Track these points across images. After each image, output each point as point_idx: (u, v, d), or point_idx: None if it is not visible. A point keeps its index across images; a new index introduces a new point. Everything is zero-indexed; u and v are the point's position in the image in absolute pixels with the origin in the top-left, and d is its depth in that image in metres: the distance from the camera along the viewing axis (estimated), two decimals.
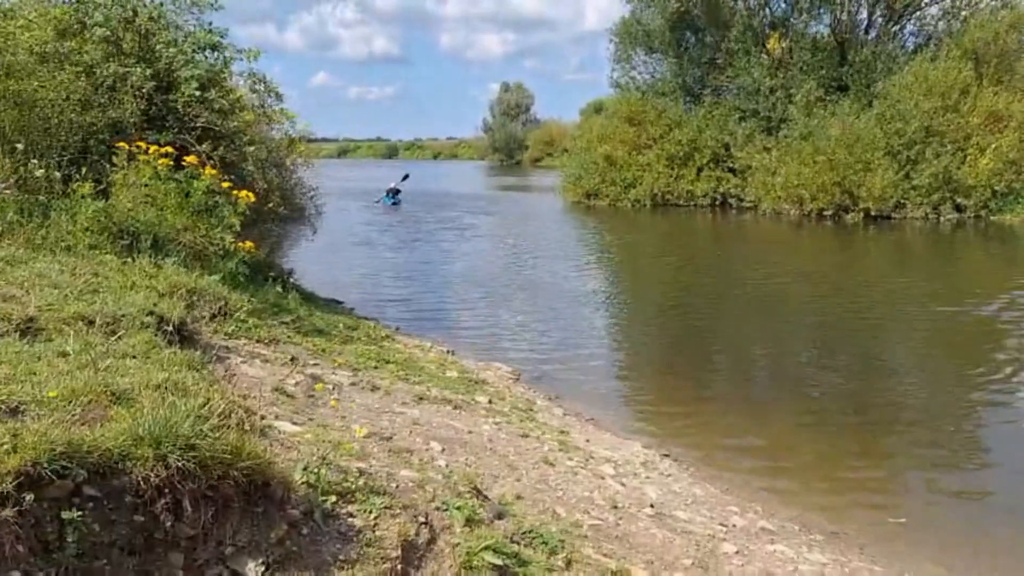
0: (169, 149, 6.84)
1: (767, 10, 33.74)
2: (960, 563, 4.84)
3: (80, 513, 2.17)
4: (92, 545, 2.22)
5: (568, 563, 3.47)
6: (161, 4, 8.34)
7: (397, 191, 33.58)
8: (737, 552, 4.27)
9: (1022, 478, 6.29)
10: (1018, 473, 6.39)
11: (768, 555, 4.37)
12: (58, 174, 6.19)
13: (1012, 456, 6.72)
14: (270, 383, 4.73)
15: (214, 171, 6.92)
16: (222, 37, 8.60)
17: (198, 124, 7.85)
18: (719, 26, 33.87)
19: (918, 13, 31.69)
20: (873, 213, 26.62)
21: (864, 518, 5.49)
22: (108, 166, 6.68)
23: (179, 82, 7.82)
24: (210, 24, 8.64)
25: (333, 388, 5.20)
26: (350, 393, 5.37)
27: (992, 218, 25.73)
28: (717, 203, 32.45)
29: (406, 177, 35.12)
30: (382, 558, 3.02)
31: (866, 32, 32.14)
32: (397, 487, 3.58)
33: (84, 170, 6.33)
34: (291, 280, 8.71)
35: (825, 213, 27.66)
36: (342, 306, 10.62)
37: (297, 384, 4.99)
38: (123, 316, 4.01)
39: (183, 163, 6.86)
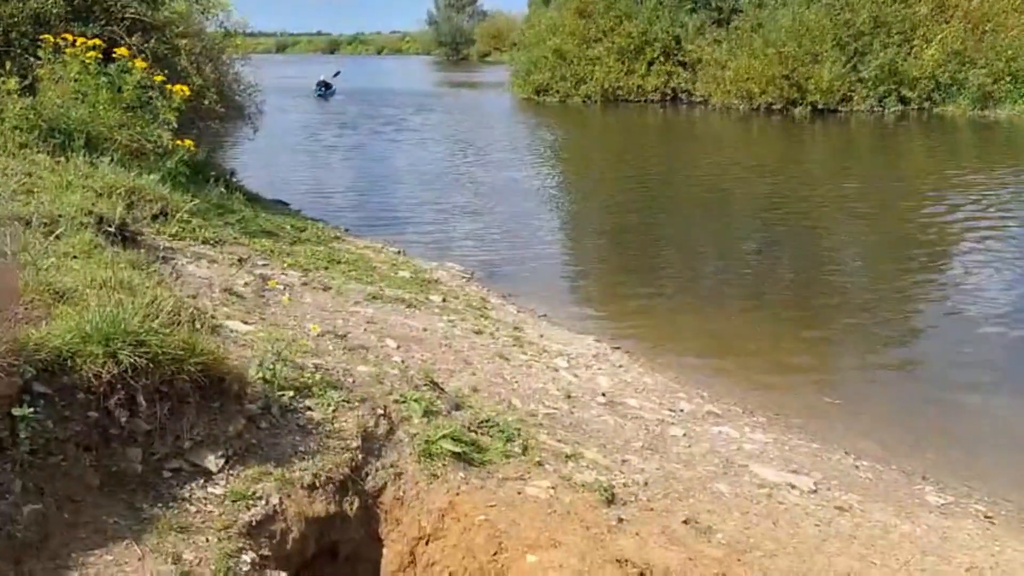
0: (97, 42, 6.45)
1: None
2: (892, 439, 5.12)
3: (31, 410, 2.14)
4: (46, 441, 2.21)
5: (524, 449, 3.58)
6: None
7: (328, 84, 34.37)
8: (684, 435, 4.45)
9: (952, 362, 6.62)
10: (949, 357, 6.72)
11: (714, 436, 4.56)
12: None
13: (944, 342, 7.05)
14: (219, 284, 4.68)
15: (145, 64, 6.58)
16: None
17: (127, 15, 7.40)
18: None
19: None
20: (820, 107, 26.75)
21: (804, 400, 5.74)
22: (33, 60, 6.30)
23: None
24: None
25: (284, 288, 5.16)
26: (302, 293, 5.34)
27: (935, 110, 26.08)
28: (668, 98, 32.14)
29: (337, 73, 36.17)
30: (342, 448, 3.07)
31: None
32: (354, 382, 3.61)
33: (8, 65, 5.96)
34: (234, 180, 8.47)
35: (774, 107, 27.69)
36: (288, 207, 10.42)
37: (247, 284, 4.94)
38: (60, 216, 3.88)
39: (113, 57, 6.50)
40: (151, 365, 2.38)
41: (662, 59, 31.87)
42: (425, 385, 3.95)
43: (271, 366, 3.14)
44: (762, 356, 6.70)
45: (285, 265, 6.01)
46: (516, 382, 4.75)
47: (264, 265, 5.73)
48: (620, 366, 5.99)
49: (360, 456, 3.10)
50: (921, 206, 12.45)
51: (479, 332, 5.74)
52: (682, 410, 5.03)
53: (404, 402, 3.56)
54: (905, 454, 4.89)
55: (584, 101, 32.29)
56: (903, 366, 6.60)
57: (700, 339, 7.05)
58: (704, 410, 5.13)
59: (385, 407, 3.43)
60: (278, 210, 9.38)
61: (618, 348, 6.54)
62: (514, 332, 6.15)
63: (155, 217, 5.29)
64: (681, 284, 8.94)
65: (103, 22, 7.27)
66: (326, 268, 6.46)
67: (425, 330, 5.34)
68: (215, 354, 2.64)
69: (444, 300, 6.68)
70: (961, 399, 5.91)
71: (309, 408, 3.17)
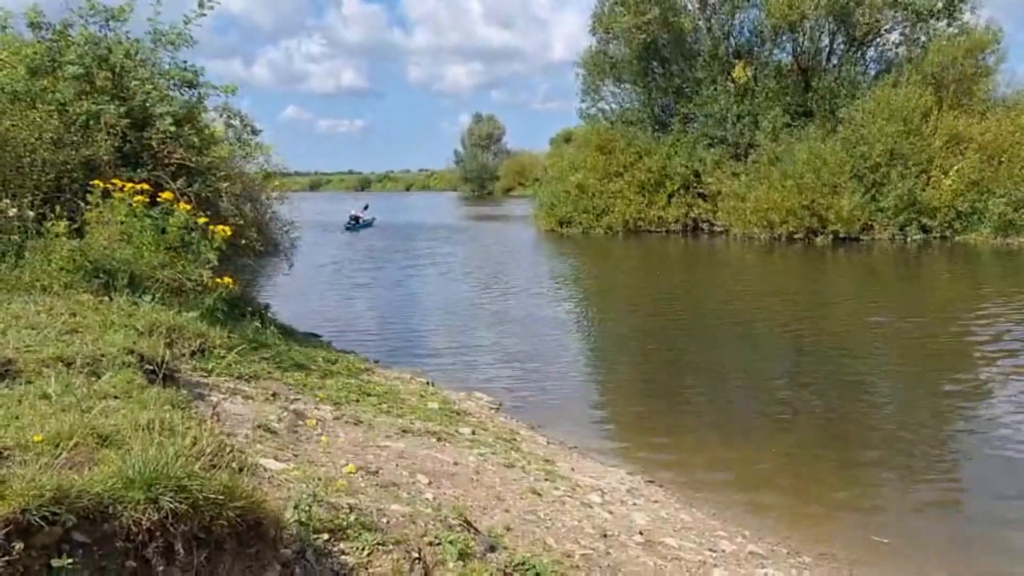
0: (144, 186, 6.77)
1: (731, 40, 34.46)
2: None
3: (70, 560, 2.11)
4: None
5: None
6: (137, 41, 8.29)
7: (358, 218, 37.69)
8: None
9: (994, 492, 6.37)
10: (990, 487, 6.47)
11: None
12: (31, 213, 6.11)
13: (984, 470, 6.82)
14: (253, 420, 4.67)
15: (189, 207, 6.86)
16: (197, 74, 8.58)
17: (173, 160, 7.78)
18: (685, 56, 34.51)
19: (878, 40, 32.52)
20: (842, 235, 27.10)
21: (849, 538, 5.51)
22: (82, 204, 6.60)
23: (154, 119, 7.76)
24: (184, 62, 8.61)
25: (317, 423, 5.15)
26: (334, 428, 5.32)
27: (957, 238, 26.27)
28: (689, 228, 32.84)
29: (366, 207, 40.17)
30: None
31: (828, 59, 32.91)
32: (388, 522, 3.54)
33: (58, 209, 6.25)
34: (269, 315, 8.63)
35: (795, 236, 28.09)
36: (320, 340, 10.54)
37: (280, 420, 4.93)
38: (103, 356, 3.95)
39: (158, 200, 6.80)
40: (191, 511, 2.35)
41: (682, 191, 32.81)
42: (459, 525, 3.85)
43: (307, 508, 3.08)
44: (801, 489, 6.49)
45: (318, 399, 6.02)
46: (550, 519, 4.62)
47: (297, 399, 5.74)
48: (655, 501, 5.82)
49: None
50: (949, 332, 12.33)
51: (510, 466, 5.65)
52: (723, 550, 4.84)
53: (439, 544, 3.47)
54: None
55: (606, 232, 33.01)
56: (945, 499, 6.35)
57: (737, 471, 6.87)
58: (747, 550, 4.93)
59: (420, 550, 3.34)
60: (310, 343, 9.49)
61: (652, 482, 6.38)
62: (545, 465, 6.04)
63: (193, 354, 5.38)
64: (712, 413, 8.81)
65: (150, 167, 7.64)
66: (357, 401, 6.46)
67: (456, 464, 5.26)
68: (254, 498, 2.61)
69: (474, 432, 6.61)
70: (1011, 537, 5.64)
71: (343, 552, 3.09)
